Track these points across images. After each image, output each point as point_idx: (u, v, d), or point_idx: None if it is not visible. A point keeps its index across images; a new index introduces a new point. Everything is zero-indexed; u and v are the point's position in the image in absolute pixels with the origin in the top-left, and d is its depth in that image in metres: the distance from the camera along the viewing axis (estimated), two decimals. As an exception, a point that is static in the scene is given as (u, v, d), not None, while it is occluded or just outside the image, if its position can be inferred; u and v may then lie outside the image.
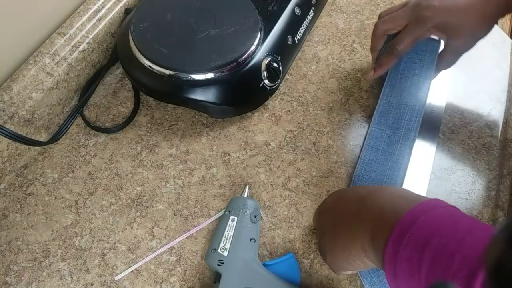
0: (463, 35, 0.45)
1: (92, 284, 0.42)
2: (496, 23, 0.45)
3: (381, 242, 0.31)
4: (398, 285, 0.30)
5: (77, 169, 0.49)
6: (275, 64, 0.50)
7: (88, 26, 0.53)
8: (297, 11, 0.54)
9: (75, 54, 0.51)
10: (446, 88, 0.52)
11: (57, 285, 0.42)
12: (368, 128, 0.50)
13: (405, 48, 0.47)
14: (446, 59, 0.48)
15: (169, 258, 0.43)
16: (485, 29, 0.44)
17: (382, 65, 0.49)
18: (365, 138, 0.49)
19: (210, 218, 0.45)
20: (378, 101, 0.50)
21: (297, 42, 0.54)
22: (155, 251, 0.43)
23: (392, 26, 0.47)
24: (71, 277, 0.42)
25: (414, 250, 0.29)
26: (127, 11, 0.57)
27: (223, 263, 0.38)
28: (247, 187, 0.45)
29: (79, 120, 0.53)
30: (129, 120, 0.52)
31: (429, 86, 0.50)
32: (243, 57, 0.48)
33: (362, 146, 0.48)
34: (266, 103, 0.53)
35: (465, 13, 0.44)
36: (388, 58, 0.49)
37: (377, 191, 0.37)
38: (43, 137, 0.51)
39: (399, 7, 0.48)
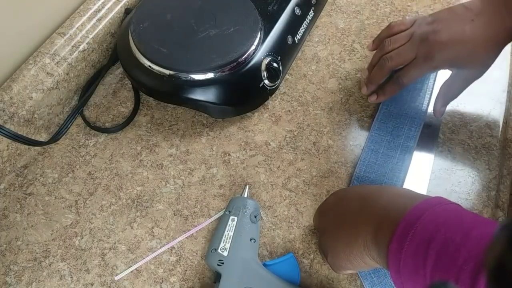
0: (475, 65, 0.44)
1: (92, 284, 0.42)
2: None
3: (385, 239, 0.31)
4: (402, 281, 0.30)
5: (77, 169, 0.49)
6: (275, 64, 0.50)
7: (88, 26, 0.53)
8: (297, 11, 0.54)
9: (75, 54, 0.51)
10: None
11: (57, 285, 0.42)
12: (368, 131, 0.50)
13: (411, 81, 0.46)
14: (457, 89, 0.46)
15: (169, 258, 0.43)
16: (496, 55, 0.43)
17: (386, 93, 0.48)
18: (365, 140, 0.49)
19: (210, 218, 0.45)
20: (378, 110, 0.50)
21: (297, 42, 0.54)
22: (155, 251, 0.43)
23: (400, 63, 0.45)
24: (71, 277, 0.42)
25: (419, 245, 0.29)
26: (127, 11, 0.57)
27: (223, 263, 0.38)
28: (247, 187, 0.45)
29: (79, 120, 0.53)
30: (129, 120, 0.52)
31: (429, 99, 0.50)
32: (243, 57, 0.48)
33: (363, 148, 0.48)
34: (266, 103, 0.53)
35: (475, 44, 0.42)
36: (393, 88, 0.47)
37: (379, 190, 0.37)
38: (43, 137, 0.51)
39: (404, 38, 0.46)
